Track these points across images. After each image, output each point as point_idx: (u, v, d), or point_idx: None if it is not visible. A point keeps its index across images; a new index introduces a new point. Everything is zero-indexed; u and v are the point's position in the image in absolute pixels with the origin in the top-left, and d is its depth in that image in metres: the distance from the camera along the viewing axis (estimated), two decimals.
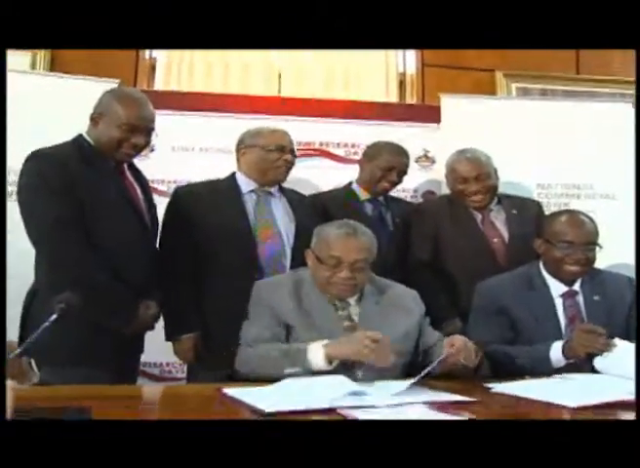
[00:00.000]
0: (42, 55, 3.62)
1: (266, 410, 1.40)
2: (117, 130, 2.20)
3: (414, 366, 2.01)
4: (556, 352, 2.06)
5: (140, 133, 2.24)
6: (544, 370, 2.03)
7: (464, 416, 1.34)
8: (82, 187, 2.13)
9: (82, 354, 2.03)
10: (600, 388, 1.70)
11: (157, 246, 2.42)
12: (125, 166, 2.33)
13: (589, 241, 2.23)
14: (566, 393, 1.64)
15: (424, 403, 1.50)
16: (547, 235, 2.29)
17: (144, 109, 2.27)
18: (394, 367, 1.93)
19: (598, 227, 2.30)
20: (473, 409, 1.47)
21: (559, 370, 2.03)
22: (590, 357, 2.01)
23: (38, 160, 2.15)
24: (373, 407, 1.45)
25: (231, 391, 1.64)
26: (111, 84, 3.32)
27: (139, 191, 2.36)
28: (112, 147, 2.21)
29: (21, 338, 2.15)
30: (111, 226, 2.16)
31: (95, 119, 2.25)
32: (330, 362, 1.80)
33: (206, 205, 2.48)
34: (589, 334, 2.00)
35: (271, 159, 2.51)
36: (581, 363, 2.04)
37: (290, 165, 2.57)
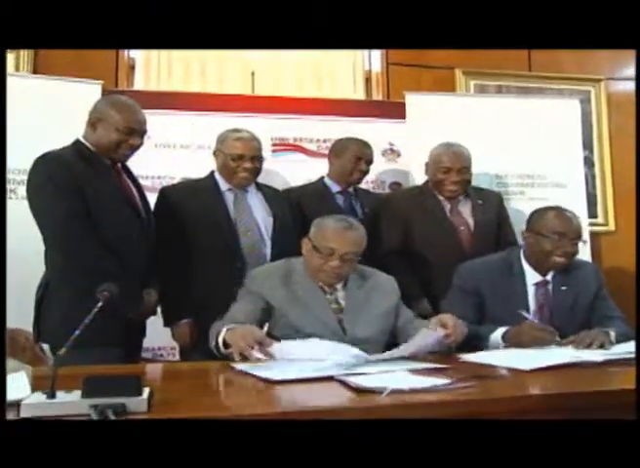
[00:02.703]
0: (25, 56, 3.71)
1: (275, 379, 1.64)
2: (116, 133, 2.41)
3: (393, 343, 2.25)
4: (497, 336, 2.28)
5: (137, 135, 2.46)
6: (479, 347, 2.25)
7: (441, 379, 1.60)
8: (86, 186, 2.33)
9: (94, 338, 2.22)
10: (548, 356, 1.95)
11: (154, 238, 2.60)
12: (119, 166, 2.54)
13: (578, 235, 2.41)
14: (521, 360, 1.89)
15: (408, 370, 1.76)
16: (538, 228, 2.44)
17: (139, 114, 2.49)
18: (377, 342, 2.20)
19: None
20: (447, 373, 1.72)
21: None
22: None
23: (45, 162, 2.35)
24: (364, 374, 1.69)
25: (240, 366, 1.85)
26: (95, 85, 3.52)
27: (133, 189, 2.57)
28: (112, 148, 2.43)
29: (37, 327, 2.35)
30: (114, 221, 2.36)
31: (93, 124, 2.45)
32: (227, 347, 1.94)
33: (191, 202, 2.71)
34: (542, 332, 2.22)
35: (232, 166, 2.74)
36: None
37: (252, 170, 2.76)
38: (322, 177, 3.30)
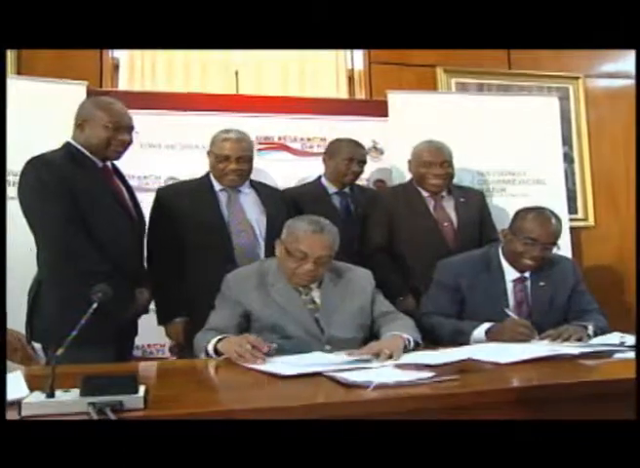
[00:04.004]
0: (9, 57, 3.70)
1: (284, 373, 1.68)
2: (104, 130, 2.45)
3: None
4: (480, 332, 2.33)
5: (124, 130, 2.52)
6: (461, 342, 2.29)
7: (425, 373, 1.66)
8: (77, 188, 2.36)
9: (87, 337, 2.26)
10: (526, 350, 2.02)
11: (145, 238, 2.66)
12: (110, 167, 2.58)
13: (550, 241, 2.44)
14: (499, 354, 1.96)
15: (393, 365, 1.81)
16: (515, 228, 2.48)
17: (123, 110, 2.54)
18: (354, 339, 2.23)
19: (562, 226, 2.50)
20: (430, 367, 1.76)
21: None
22: None
23: (36, 165, 2.39)
24: (351, 370, 1.73)
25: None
26: (80, 85, 3.53)
27: (123, 189, 2.61)
28: (103, 146, 2.47)
29: (30, 327, 2.38)
30: (105, 222, 2.40)
31: (80, 125, 2.49)
32: (219, 355, 2.03)
33: (185, 203, 2.75)
34: (524, 328, 2.25)
35: (220, 168, 2.78)
36: None
37: (238, 172, 2.79)
38: (319, 177, 3.36)
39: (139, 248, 2.55)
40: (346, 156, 3.22)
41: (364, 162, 3.30)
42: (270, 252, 2.64)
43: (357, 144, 3.30)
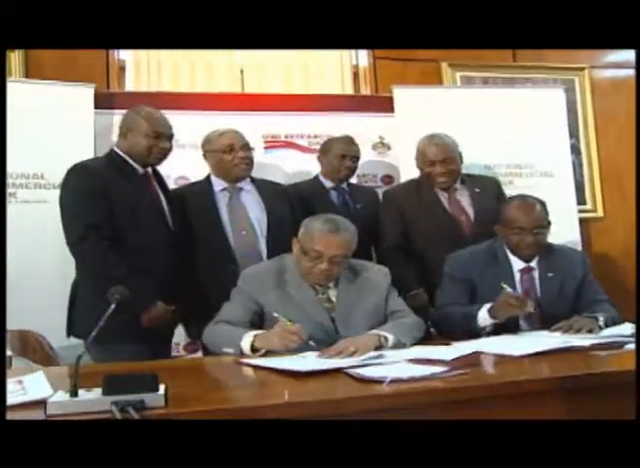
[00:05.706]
0: (17, 60, 3.71)
1: (304, 370, 1.70)
2: (145, 138, 2.59)
3: None
4: (484, 312, 2.35)
5: (164, 138, 2.65)
6: (472, 327, 2.34)
7: (438, 367, 1.68)
8: (114, 194, 2.49)
9: (122, 335, 2.27)
10: (538, 342, 2.04)
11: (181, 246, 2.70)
12: (151, 172, 2.68)
13: (537, 225, 2.46)
14: (511, 346, 1.99)
15: (407, 360, 1.84)
16: (504, 221, 2.53)
17: (163, 120, 2.67)
18: None
19: (547, 209, 2.52)
20: (443, 361, 1.79)
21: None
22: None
23: (78, 172, 2.53)
24: (366, 365, 1.77)
25: (254, 361, 1.93)
26: (88, 88, 3.56)
27: (161, 196, 2.70)
28: (145, 154, 2.60)
29: (69, 321, 2.55)
30: (140, 229, 2.50)
31: (124, 134, 2.63)
32: (254, 351, 2.05)
33: (186, 206, 2.81)
34: (517, 301, 2.26)
35: (227, 160, 2.85)
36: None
37: (246, 159, 2.87)
38: (317, 175, 3.40)
39: (173, 255, 2.62)
40: (338, 153, 3.28)
41: (357, 158, 3.35)
42: (272, 249, 2.71)
43: (349, 141, 3.35)
